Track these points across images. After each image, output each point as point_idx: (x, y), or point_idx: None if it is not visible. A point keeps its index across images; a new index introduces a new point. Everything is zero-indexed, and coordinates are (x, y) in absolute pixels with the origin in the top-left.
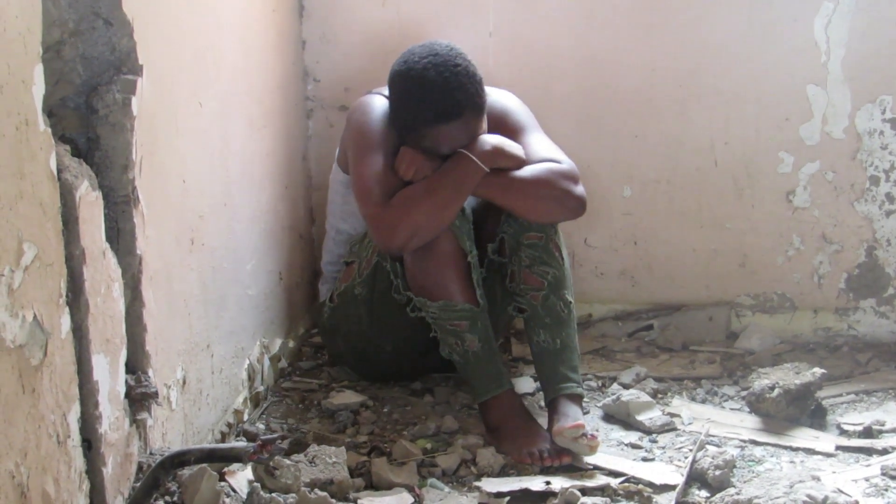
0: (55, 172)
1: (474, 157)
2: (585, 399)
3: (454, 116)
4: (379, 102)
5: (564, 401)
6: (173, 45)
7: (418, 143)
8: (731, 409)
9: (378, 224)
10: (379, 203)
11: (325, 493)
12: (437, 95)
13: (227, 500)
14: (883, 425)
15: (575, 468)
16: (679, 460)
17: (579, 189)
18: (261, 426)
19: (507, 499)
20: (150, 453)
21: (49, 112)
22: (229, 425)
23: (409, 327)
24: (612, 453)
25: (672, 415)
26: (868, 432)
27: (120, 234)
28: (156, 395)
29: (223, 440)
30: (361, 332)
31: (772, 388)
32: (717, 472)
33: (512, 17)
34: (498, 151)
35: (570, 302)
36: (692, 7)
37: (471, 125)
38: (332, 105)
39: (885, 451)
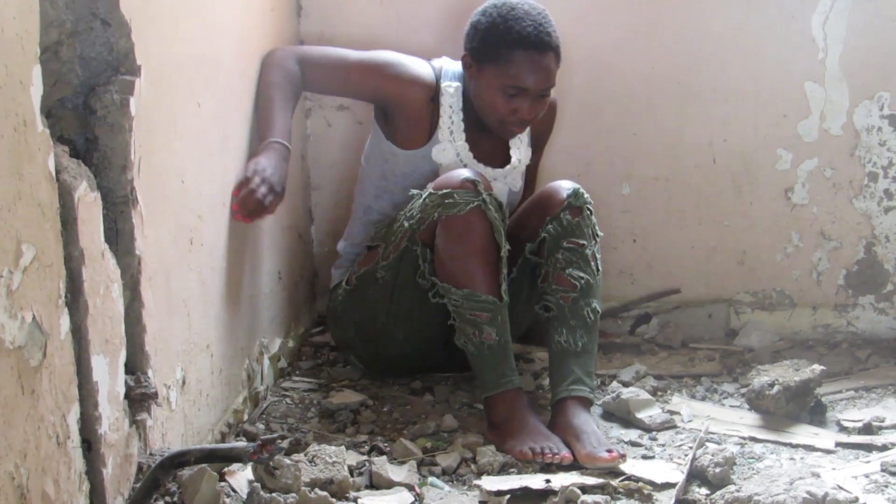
0: (54, 173)
1: None
2: (597, 405)
3: (546, 47)
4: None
5: (574, 403)
6: (171, 46)
7: (502, 71)
8: (731, 406)
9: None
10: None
11: (325, 493)
12: (531, 24)
13: (227, 500)
14: (882, 422)
15: (576, 465)
16: (679, 458)
17: None
18: (260, 426)
19: (508, 497)
20: (150, 454)
21: (47, 113)
22: (229, 425)
23: (425, 318)
24: None
25: (672, 412)
26: (868, 429)
27: (119, 235)
28: (155, 395)
29: (223, 440)
30: (375, 318)
31: (771, 385)
32: (718, 470)
33: None
34: None
35: (598, 311)
36: (690, 4)
37: (553, 70)
38: (330, 105)
39: (884, 448)
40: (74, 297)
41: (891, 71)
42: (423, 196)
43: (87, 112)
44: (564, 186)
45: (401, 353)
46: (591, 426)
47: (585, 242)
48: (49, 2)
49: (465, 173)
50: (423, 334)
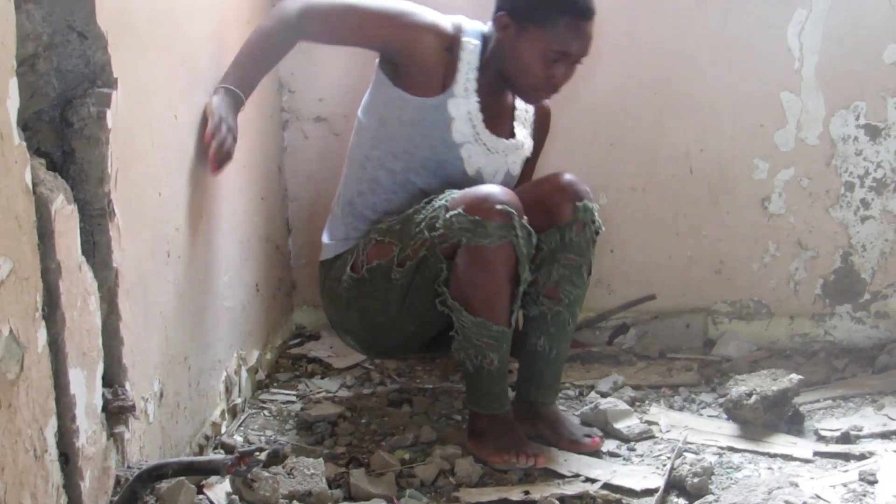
0: (30, 186)
1: None
2: (563, 408)
3: (591, 13)
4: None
5: (546, 403)
6: (148, 58)
7: (548, 34)
8: (709, 416)
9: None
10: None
11: None
12: None
13: None
14: (860, 430)
15: (553, 473)
16: (657, 468)
17: None
18: (238, 438)
19: None
20: (128, 467)
21: (24, 126)
22: (207, 438)
23: (439, 315)
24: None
25: (650, 422)
26: (845, 438)
27: (96, 248)
28: (133, 408)
29: (201, 453)
30: (386, 310)
31: (749, 395)
32: (696, 480)
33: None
34: None
35: (576, 319)
36: (667, 15)
37: (591, 40)
38: (307, 116)
39: (862, 457)
40: (51, 310)
41: (866, 80)
42: (450, 213)
43: (63, 125)
44: (573, 195)
45: (406, 341)
46: (566, 416)
47: (582, 258)
48: (26, 14)
49: (500, 196)
50: (435, 326)
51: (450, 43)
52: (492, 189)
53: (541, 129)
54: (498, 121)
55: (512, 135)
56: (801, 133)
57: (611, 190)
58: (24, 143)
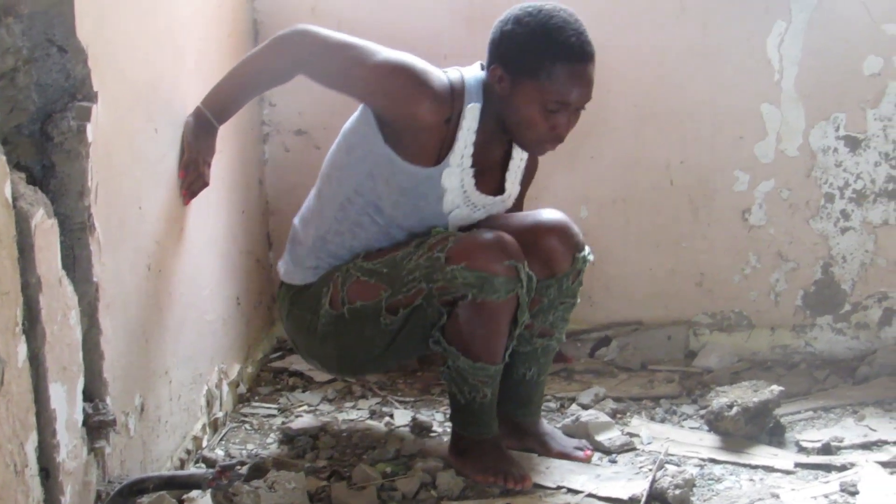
0: (10, 200)
1: None
2: (545, 419)
3: (588, 57)
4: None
5: (534, 422)
6: (128, 72)
7: (544, 86)
8: (691, 427)
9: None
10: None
11: None
12: (573, 33)
13: None
14: (841, 441)
15: (536, 485)
16: (639, 480)
17: None
18: (220, 452)
19: None
20: (109, 481)
21: (3, 140)
22: (188, 452)
23: (426, 345)
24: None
25: (631, 434)
26: (826, 449)
27: (76, 262)
28: (114, 422)
29: (182, 467)
30: (370, 350)
31: (730, 407)
32: (677, 492)
33: (465, 42)
34: None
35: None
36: (646, 27)
37: (592, 84)
38: (287, 129)
39: (843, 468)
40: (32, 325)
41: (846, 92)
42: (451, 266)
43: (43, 139)
44: (573, 245)
45: (384, 368)
46: (554, 430)
47: (575, 299)
48: (6, 28)
49: (504, 248)
50: (419, 354)
51: (449, 113)
52: (494, 240)
53: (529, 173)
54: (489, 176)
55: (501, 188)
56: (781, 145)
57: (591, 202)
58: (4, 158)
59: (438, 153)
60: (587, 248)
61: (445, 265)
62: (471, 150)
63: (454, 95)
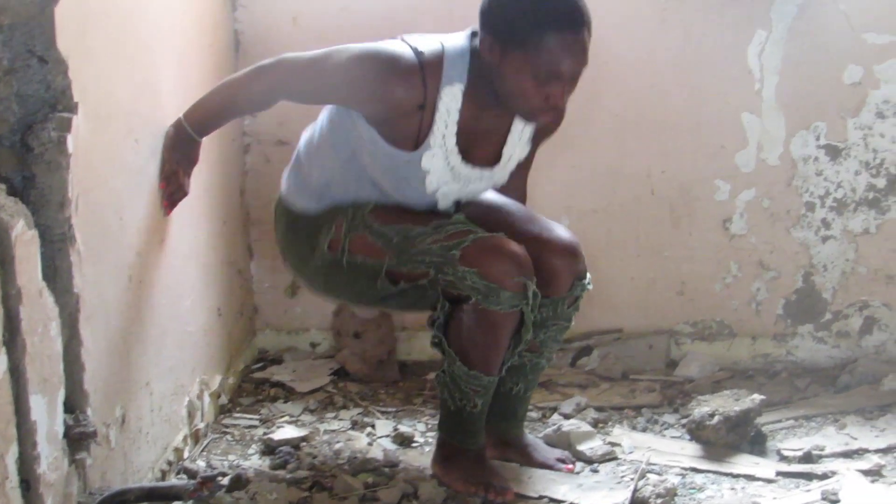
0: None
1: None
2: (526, 429)
3: (580, 24)
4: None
5: (516, 432)
6: (109, 82)
7: (533, 56)
8: (672, 437)
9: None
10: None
11: None
12: (561, 0)
13: None
14: (822, 450)
15: (518, 495)
16: (621, 489)
17: None
18: (201, 463)
19: None
20: (90, 493)
21: None
22: (169, 463)
23: (413, 307)
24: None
25: (613, 444)
26: (808, 457)
27: (57, 273)
28: (94, 434)
29: (163, 478)
30: (359, 298)
31: (712, 416)
32: (659, 501)
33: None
34: None
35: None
36: (627, 36)
37: (588, 47)
38: (268, 140)
39: (824, 476)
40: (12, 336)
41: (826, 101)
42: (463, 269)
43: (24, 150)
44: (575, 271)
45: (368, 311)
46: (536, 441)
47: (569, 323)
48: None
49: (517, 263)
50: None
51: (421, 98)
52: (511, 254)
53: (543, 132)
54: (486, 146)
55: (498, 157)
56: (762, 154)
57: (573, 212)
58: None
59: (417, 137)
60: (588, 276)
61: (458, 264)
62: (454, 129)
63: (427, 77)
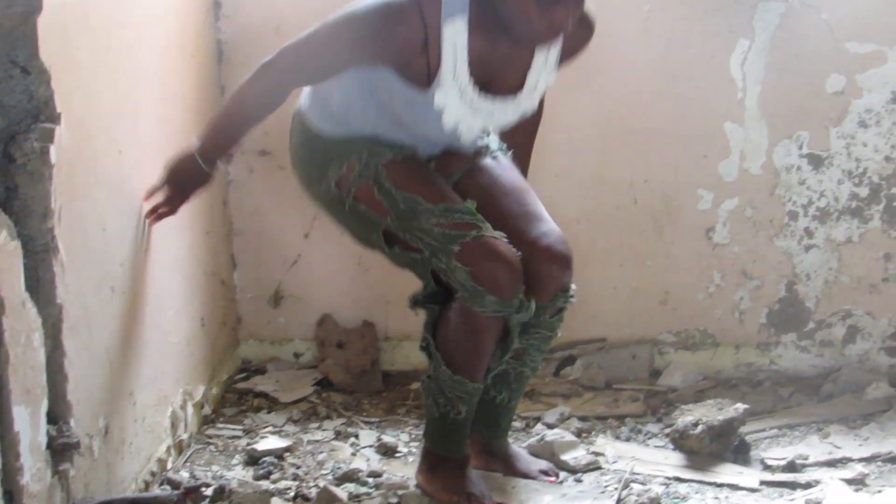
0: None
1: None
2: (511, 440)
3: None
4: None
5: (504, 444)
6: (92, 93)
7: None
8: (656, 446)
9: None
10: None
11: None
12: None
13: None
14: (806, 459)
15: None
16: (605, 499)
17: None
18: (185, 474)
19: None
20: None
21: None
22: (153, 474)
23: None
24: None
25: (597, 454)
26: (791, 467)
27: (39, 284)
28: (78, 445)
29: (147, 489)
30: (356, 237)
31: (695, 425)
32: None
33: None
34: None
35: (536, 371)
36: (609, 45)
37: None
38: (251, 150)
39: (808, 485)
40: None
41: (809, 110)
42: (457, 264)
43: (6, 160)
44: (560, 283)
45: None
46: (519, 451)
47: (552, 334)
48: None
49: (516, 276)
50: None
51: (423, 38)
52: (508, 263)
53: (575, 45)
54: (510, 73)
55: (521, 84)
56: (745, 163)
57: (555, 220)
58: None
59: (428, 76)
60: (573, 289)
61: (453, 258)
62: (465, 63)
63: (426, 14)
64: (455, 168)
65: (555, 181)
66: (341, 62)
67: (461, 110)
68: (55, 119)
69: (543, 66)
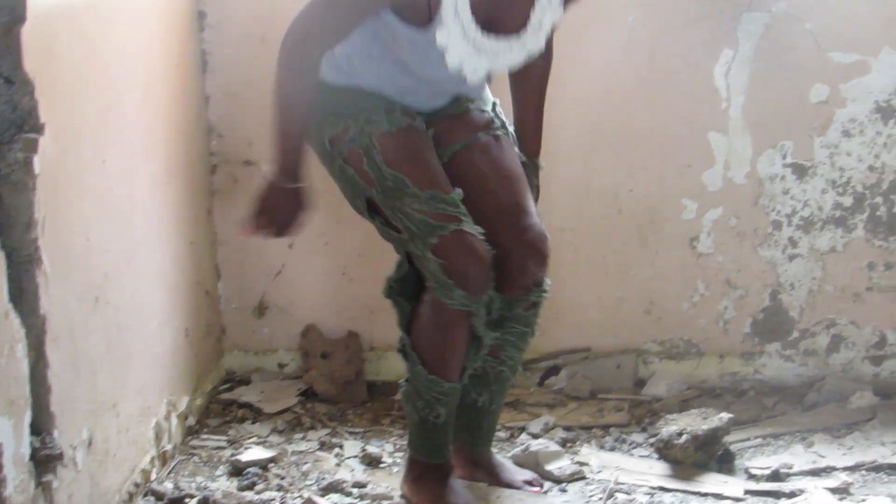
0: None
1: None
2: (496, 450)
3: None
4: None
5: (487, 452)
6: (76, 103)
7: None
8: (640, 456)
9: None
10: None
11: None
12: None
13: None
14: (790, 468)
15: None
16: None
17: None
18: (169, 485)
19: None
20: None
21: None
22: (137, 485)
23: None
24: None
25: (581, 463)
26: (776, 476)
27: (23, 294)
28: (61, 456)
29: (130, 501)
30: (343, 194)
31: (679, 434)
32: None
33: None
34: None
35: (517, 373)
36: (594, 56)
37: None
38: (236, 160)
39: (792, 494)
40: None
41: (793, 120)
42: (431, 257)
43: None
44: (534, 278)
45: None
46: (504, 462)
47: (528, 329)
48: None
49: (487, 276)
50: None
51: None
52: (481, 263)
53: None
54: (510, 11)
55: (526, 22)
56: (729, 172)
57: None
58: None
59: (429, 14)
60: (548, 283)
61: (428, 249)
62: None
63: None
64: (456, 138)
65: (540, 190)
66: (351, 11)
67: (465, 49)
68: (39, 129)
69: (548, 5)
